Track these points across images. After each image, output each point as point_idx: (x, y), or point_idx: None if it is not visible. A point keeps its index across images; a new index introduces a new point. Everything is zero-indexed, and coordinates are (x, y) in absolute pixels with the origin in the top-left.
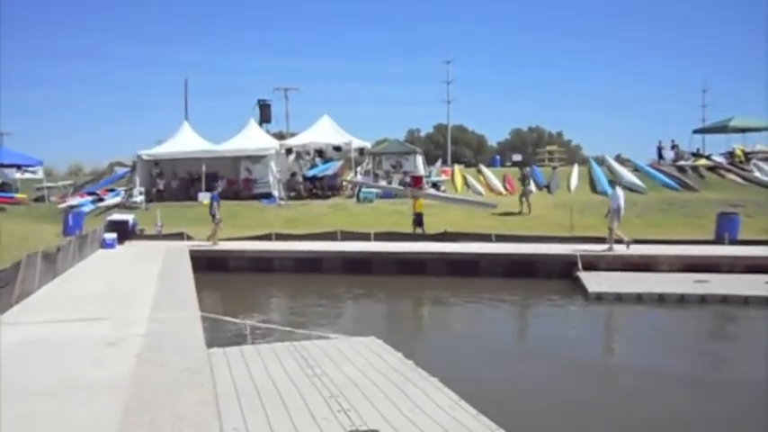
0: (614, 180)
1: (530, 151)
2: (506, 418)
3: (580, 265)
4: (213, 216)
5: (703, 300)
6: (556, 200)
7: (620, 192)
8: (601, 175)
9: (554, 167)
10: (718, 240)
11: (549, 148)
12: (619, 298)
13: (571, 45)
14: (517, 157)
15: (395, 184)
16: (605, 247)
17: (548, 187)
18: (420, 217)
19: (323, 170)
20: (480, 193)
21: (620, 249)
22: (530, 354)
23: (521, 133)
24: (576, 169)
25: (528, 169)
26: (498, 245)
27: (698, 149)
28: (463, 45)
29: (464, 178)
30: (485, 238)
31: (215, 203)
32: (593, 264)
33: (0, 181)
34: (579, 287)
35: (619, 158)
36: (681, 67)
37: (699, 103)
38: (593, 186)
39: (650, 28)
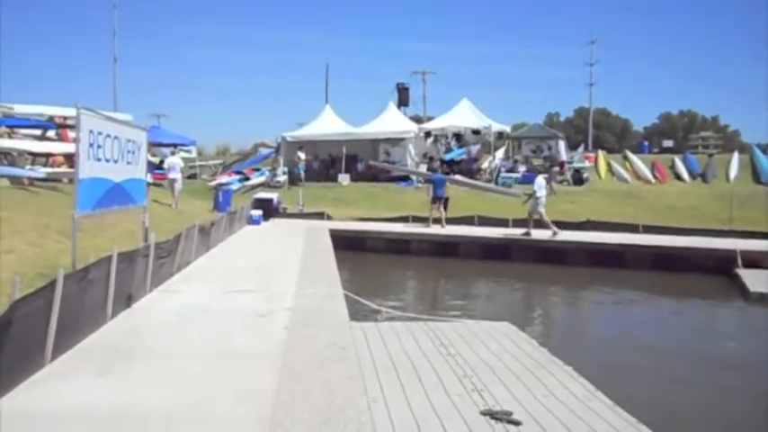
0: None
1: (680, 137)
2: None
3: (740, 262)
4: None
5: None
6: (712, 190)
7: (540, 180)
8: (766, 164)
9: (710, 155)
10: None
11: (703, 133)
12: None
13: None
14: (668, 143)
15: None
16: (523, 231)
17: (703, 176)
18: (446, 202)
19: (460, 154)
20: (626, 181)
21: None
22: (678, 356)
23: (670, 118)
24: (736, 157)
25: (562, 159)
26: (645, 236)
27: None
28: (608, 24)
29: (608, 165)
30: (631, 228)
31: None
32: (755, 261)
33: (159, 159)
34: (738, 286)
35: None
36: None
37: None
38: (757, 176)
39: None
